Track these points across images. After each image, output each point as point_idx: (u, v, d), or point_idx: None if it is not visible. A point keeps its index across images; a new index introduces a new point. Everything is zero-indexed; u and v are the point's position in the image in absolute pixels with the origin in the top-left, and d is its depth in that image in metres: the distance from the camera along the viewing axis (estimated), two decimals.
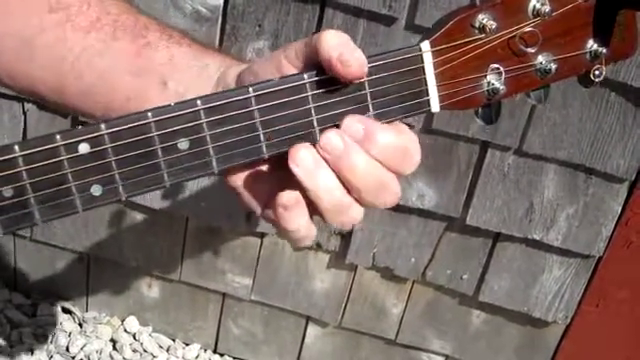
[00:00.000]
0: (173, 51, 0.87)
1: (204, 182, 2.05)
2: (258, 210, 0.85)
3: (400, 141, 0.80)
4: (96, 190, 0.77)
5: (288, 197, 0.79)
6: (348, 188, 0.79)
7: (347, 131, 0.79)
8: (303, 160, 0.78)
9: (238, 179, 0.85)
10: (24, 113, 2.04)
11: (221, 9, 1.83)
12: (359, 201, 0.81)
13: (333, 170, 0.79)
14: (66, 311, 2.47)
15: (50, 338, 2.39)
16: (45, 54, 0.87)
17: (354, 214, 0.81)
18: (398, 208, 2.03)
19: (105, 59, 0.86)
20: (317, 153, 0.79)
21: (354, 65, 0.77)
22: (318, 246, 2.15)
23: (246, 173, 0.84)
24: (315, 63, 0.79)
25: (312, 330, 2.38)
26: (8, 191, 0.74)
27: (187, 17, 1.83)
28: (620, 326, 2.14)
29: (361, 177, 0.79)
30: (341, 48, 0.77)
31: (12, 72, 0.89)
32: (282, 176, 0.82)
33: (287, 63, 0.82)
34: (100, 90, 0.86)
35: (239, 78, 0.85)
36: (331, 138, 0.79)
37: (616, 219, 1.97)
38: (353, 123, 0.79)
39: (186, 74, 0.85)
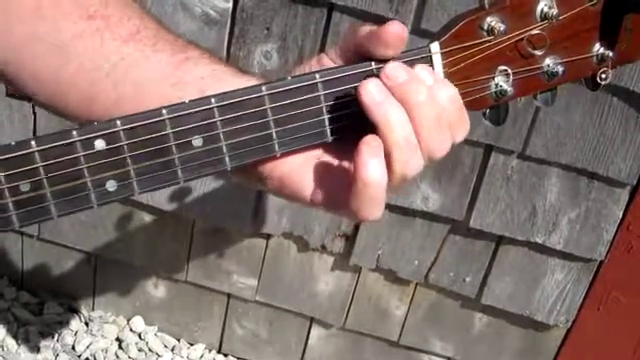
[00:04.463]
0: (214, 67, 0.87)
1: (211, 184, 2.07)
2: (307, 194, 0.86)
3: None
4: (111, 185, 0.78)
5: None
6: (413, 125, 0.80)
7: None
8: (372, 90, 0.80)
9: (284, 167, 0.85)
10: (34, 113, 2.06)
11: (230, 12, 1.85)
12: (423, 144, 0.81)
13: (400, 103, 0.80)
14: (72, 310, 2.48)
15: (56, 336, 2.40)
16: (79, 61, 0.86)
17: (417, 162, 0.81)
18: (402, 211, 2.04)
19: (143, 70, 0.86)
20: (384, 86, 0.80)
21: (394, 24, 0.79)
22: (323, 248, 2.17)
23: (293, 158, 0.85)
24: (351, 57, 0.83)
25: (316, 331, 2.39)
26: (25, 186, 0.75)
27: (196, 20, 1.85)
28: (621, 330, 2.15)
29: (425, 108, 0.80)
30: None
31: (41, 78, 0.88)
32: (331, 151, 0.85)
33: (326, 60, 0.85)
34: (134, 100, 0.85)
35: None
36: (396, 68, 0.81)
37: (618, 223, 1.98)
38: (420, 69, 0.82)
39: (226, 88, 0.82)
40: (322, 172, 0.85)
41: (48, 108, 0.91)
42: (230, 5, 1.84)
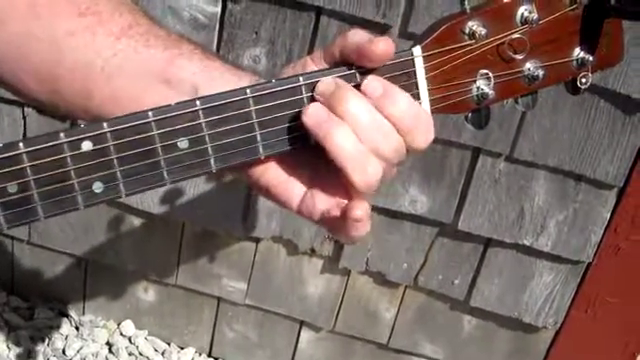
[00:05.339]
0: (207, 63, 0.87)
1: (201, 187, 2.08)
2: (294, 206, 0.88)
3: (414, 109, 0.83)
4: (98, 187, 0.78)
5: (361, 210, 0.82)
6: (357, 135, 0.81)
7: (367, 87, 0.82)
8: (312, 113, 0.81)
9: (270, 177, 0.87)
10: (24, 117, 2.06)
11: (218, 16, 1.86)
12: (371, 150, 0.82)
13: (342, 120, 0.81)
14: (63, 314, 2.48)
15: (47, 341, 2.40)
16: (74, 57, 0.87)
17: (374, 169, 0.82)
18: (391, 214, 2.05)
19: (136, 65, 0.87)
20: (323, 106, 0.82)
21: (382, 42, 0.80)
22: (312, 251, 2.17)
23: (279, 170, 0.87)
24: (336, 61, 0.84)
25: (306, 334, 2.40)
26: (12, 187, 0.75)
27: (185, 24, 1.86)
28: (609, 331, 2.16)
29: (363, 117, 0.81)
30: (367, 35, 0.82)
31: (38, 75, 0.89)
32: (319, 168, 0.85)
33: (312, 63, 0.86)
34: (128, 95, 0.86)
35: None
36: (324, 84, 0.82)
37: (605, 225, 1.99)
38: (373, 81, 0.83)
39: (219, 84, 0.84)
40: (308, 189, 0.87)
41: (47, 106, 0.92)
42: (219, 10, 1.85)
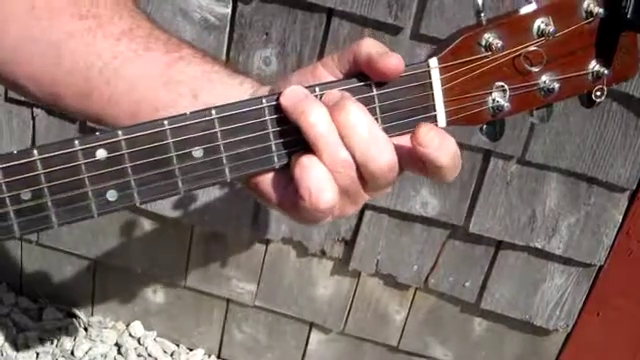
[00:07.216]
0: (206, 67, 0.88)
1: (211, 190, 2.07)
2: (273, 200, 0.85)
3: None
4: (112, 195, 0.78)
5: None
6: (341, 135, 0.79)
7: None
8: (290, 95, 0.80)
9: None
10: (33, 118, 2.06)
11: (229, 17, 1.85)
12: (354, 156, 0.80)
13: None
14: (72, 315, 2.48)
15: (55, 342, 2.40)
16: (73, 59, 0.87)
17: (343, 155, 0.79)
18: (402, 216, 2.05)
19: (136, 68, 0.87)
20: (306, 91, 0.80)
21: (392, 57, 0.80)
22: (322, 253, 2.17)
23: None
24: (349, 69, 0.83)
25: (315, 336, 2.39)
26: (26, 194, 0.75)
27: (195, 25, 1.85)
28: (621, 335, 2.15)
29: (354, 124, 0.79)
30: (379, 47, 0.81)
31: (37, 78, 0.90)
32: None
33: (322, 68, 0.84)
34: (128, 98, 0.86)
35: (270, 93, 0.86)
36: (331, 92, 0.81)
37: (617, 228, 1.98)
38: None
39: (219, 88, 0.85)
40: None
41: (47, 104, 0.93)
42: (229, 10, 1.85)
